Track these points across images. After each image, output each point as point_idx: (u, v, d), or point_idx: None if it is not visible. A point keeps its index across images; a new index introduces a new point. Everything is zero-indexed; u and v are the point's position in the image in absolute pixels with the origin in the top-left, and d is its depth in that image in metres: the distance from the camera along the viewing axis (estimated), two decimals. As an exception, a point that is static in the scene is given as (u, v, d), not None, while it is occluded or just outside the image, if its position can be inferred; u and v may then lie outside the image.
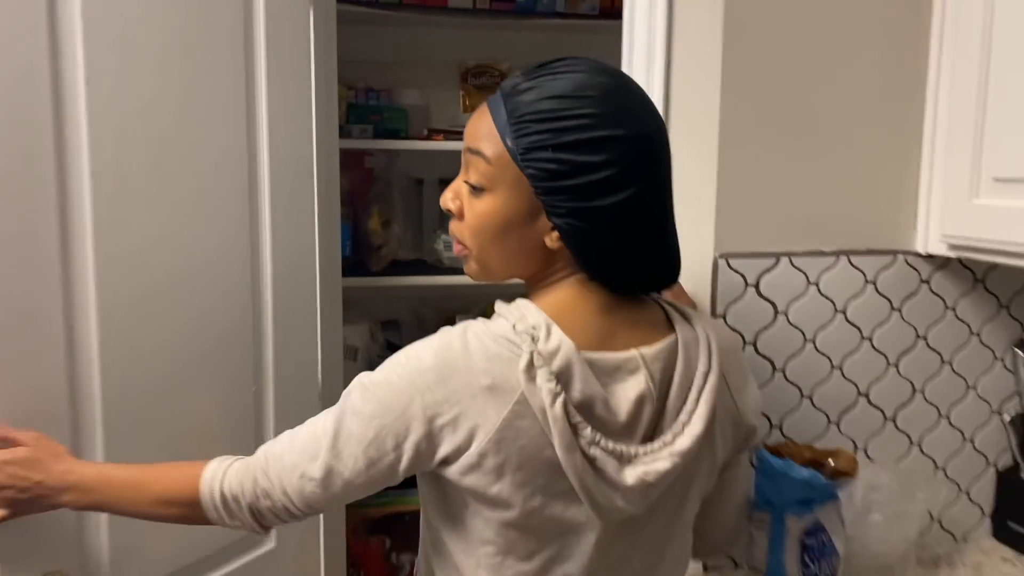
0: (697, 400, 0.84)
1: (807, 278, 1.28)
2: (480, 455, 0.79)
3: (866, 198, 1.29)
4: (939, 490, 1.33)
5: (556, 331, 0.80)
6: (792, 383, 1.30)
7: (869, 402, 1.33)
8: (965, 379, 1.37)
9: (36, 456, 0.92)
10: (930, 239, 1.29)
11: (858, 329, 1.31)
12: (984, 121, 1.17)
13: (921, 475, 1.34)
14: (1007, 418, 1.37)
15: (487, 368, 0.79)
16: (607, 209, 0.79)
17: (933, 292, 1.33)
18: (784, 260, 1.27)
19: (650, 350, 0.84)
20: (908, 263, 1.31)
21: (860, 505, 1.23)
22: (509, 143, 0.80)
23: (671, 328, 0.87)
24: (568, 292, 0.84)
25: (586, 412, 0.80)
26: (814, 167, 1.27)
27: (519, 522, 0.83)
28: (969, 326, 1.36)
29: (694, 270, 1.25)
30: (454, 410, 0.79)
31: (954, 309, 1.35)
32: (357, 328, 2.10)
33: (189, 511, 0.88)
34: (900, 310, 1.32)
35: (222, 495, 0.86)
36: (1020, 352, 1.35)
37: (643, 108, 0.83)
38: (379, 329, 2.28)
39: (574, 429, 0.78)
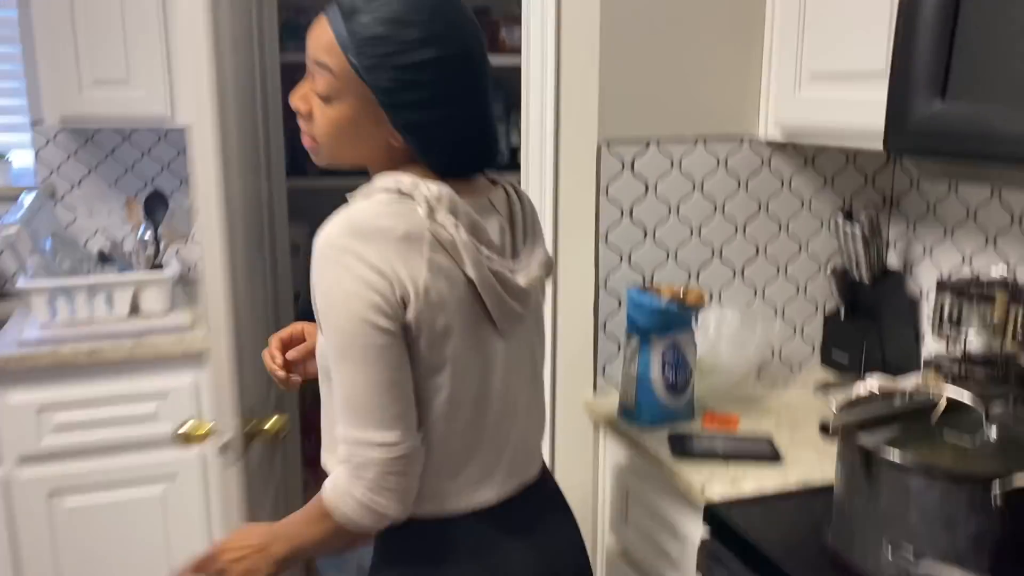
0: (535, 231, 1.10)
1: (671, 160, 1.60)
2: (425, 291, 0.93)
3: (719, 91, 1.60)
4: (773, 326, 1.69)
5: (431, 182, 0.96)
6: (659, 245, 1.62)
7: (721, 260, 1.67)
8: (798, 241, 1.72)
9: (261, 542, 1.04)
10: (768, 126, 1.62)
11: (712, 202, 1.64)
12: (804, 22, 1.49)
13: (761, 314, 1.69)
14: (831, 271, 1.74)
15: (394, 223, 0.93)
16: (441, 114, 0.96)
17: (772, 171, 1.67)
18: (653, 145, 1.58)
19: (493, 197, 1.06)
20: (752, 147, 1.64)
21: (713, 335, 1.58)
22: (352, 60, 0.93)
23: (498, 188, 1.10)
24: (414, 170, 0.99)
25: (477, 238, 0.98)
26: (676, 63, 1.56)
27: (459, 351, 0.97)
28: (801, 198, 1.70)
29: (582, 154, 1.55)
30: (393, 269, 0.92)
31: (789, 185, 1.69)
32: (299, 227, 2.35)
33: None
34: (746, 185, 1.66)
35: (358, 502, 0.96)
36: (841, 219, 1.70)
37: (465, 24, 0.97)
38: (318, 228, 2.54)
39: (477, 250, 0.99)
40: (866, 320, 1.67)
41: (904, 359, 1.63)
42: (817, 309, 1.77)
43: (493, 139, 1.04)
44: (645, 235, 1.61)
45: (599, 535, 1.65)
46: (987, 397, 1.05)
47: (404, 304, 0.92)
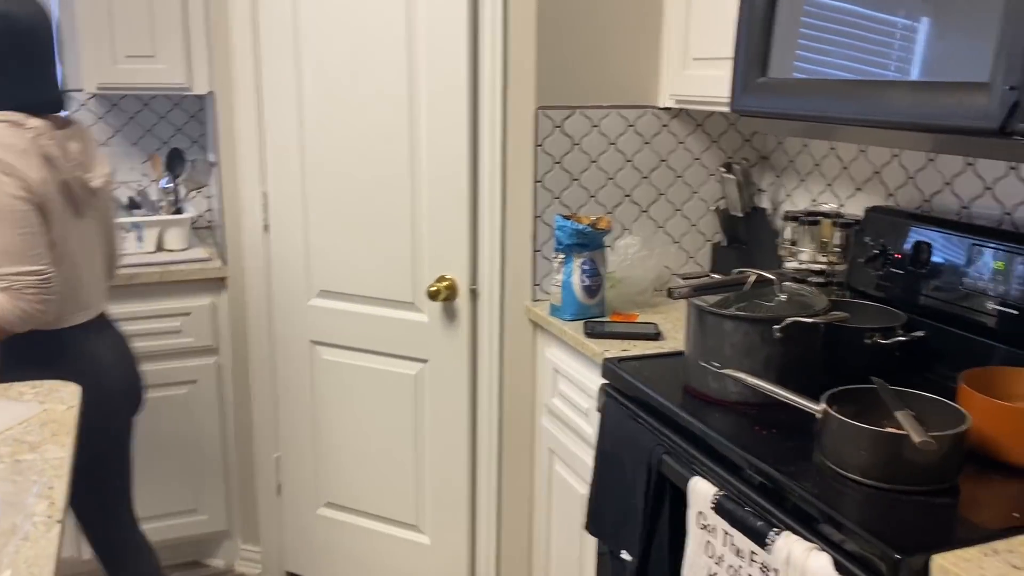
0: (99, 154, 1.74)
1: (591, 122, 2.09)
2: (40, 183, 1.55)
3: (627, 70, 2.09)
4: (670, 251, 2.19)
5: (34, 119, 1.58)
6: (583, 188, 2.12)
7: (631, 201, 2.17)
8: (691, 187, 2.22)
9: None
10: (665, 98, 2.11)
11: (624, 156, 2.14)
12: (688, 18, 1.98)
13: (660, 242, 2.19)
14: (716, 210, 2.24)
15: (16, 141, 1.54)
16: (14, 76, 1.60)
17: (670, 132, 2.17)
18: (578, 111, 2.07)
19: (72, 130, 1.70)
20: (654, 113, 2.14)
21: (623, 255, 2.08)
22: None
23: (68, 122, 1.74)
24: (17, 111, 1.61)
25: (65, 154, 1.62)
26: (595, 49, 2.05)
27: (59, 223, 1.61)
28: (693, 154, 2.20)
29: (523, 117, 2.03)
30: (23, 168, 1.53)
31: (683, 143, 2.19)
32: None
33: None
34: (650, 143, 2.15)
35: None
36: (723, 170, 2.20)
37: (33, 3, 1.62)
38: None
39: (66, 160, 1.62)
40: (742, 247, 2.18)
41: (768, 276, 2.14)
42: (706, 240, 2.28)
43: (59, 93, 1.70)
44: (572, 180, 2.10)
45: (536, 403, 2.15)
46: (784, 278, 1.56)
47: (31, 190, 1.53)
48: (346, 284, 2.29)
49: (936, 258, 1.62)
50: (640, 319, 1.98)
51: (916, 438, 1.08)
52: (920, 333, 1.58)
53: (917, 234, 1.66)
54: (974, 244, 1.55)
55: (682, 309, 2.08)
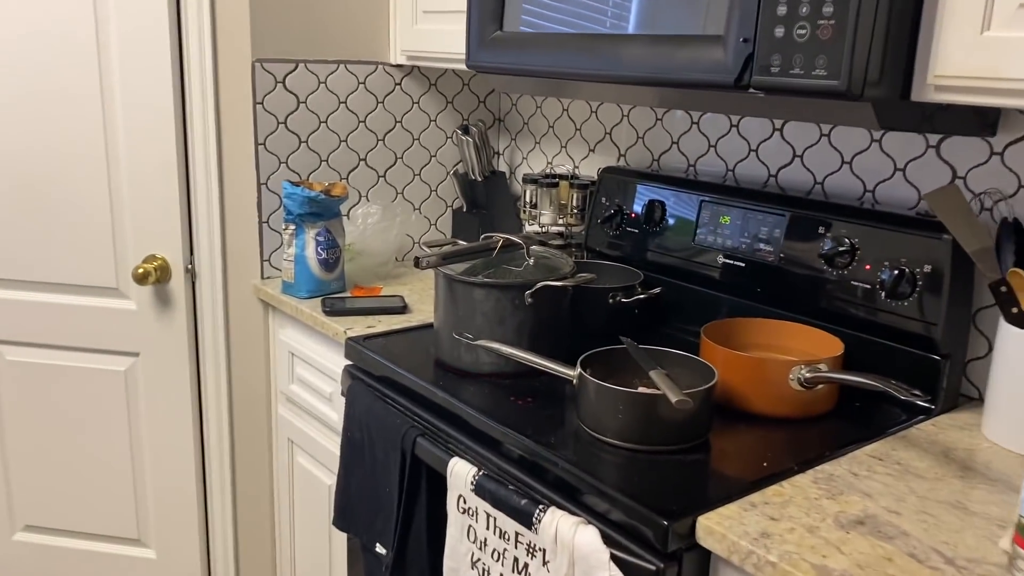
0: None
1: (318, 78, 1.90)
2: None
3: (354, 21, 1.93)
4: (411, 218, 2.08)
5: None
6: (313, 151, 1.93)
7: (367, 165, 2.02)
8: (429, 151, 2.12)
9: None
10: (396, 53, 1.98)
11: (356, 116, 1.98)
12: (418, -28, 1.86)
13: (401, 209, 2.07)
14: (454, 174, 2.16)
15: None
16: None
17: (404, 91, 2.04)
18: (301, 65, 1.87)
19: None
20: (385, 70, 2.00)
21: (361, 225, 1.93)
22: None
23: None
24: None
25: None
26: None
27: None
28: (429, 116, 2.10)
29: (238, 70, 1.80)
30: None
31: (419, 104, 2.07)
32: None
33: None
34: (383, 103, 2.01)
35: None
36: (460, 132, 2.12)
37: None
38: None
39: None
40: (482, 212, 2.12)
41: (509, 240, 2.11)
42: (447, 205, 2.19)
43: None
44: (300, 142, 1.91)
45: (273, 391, 1.96)
46: (532, 241, 1.51)
47: None
48: (30, 271, 1.92)
49: (668, 216, 1.65)
50: (384, 292, 1.85)
51: (673, 397, 1.07)
52: (657, 290, 1.61)
53: (649, 193, 1.69)
54: (702, 200, 1.60)
55: (429, 279, 1.98)
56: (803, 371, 1.22)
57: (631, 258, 1.72)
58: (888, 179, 1.44)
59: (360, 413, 1.45)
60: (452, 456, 1.23)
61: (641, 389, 1.17)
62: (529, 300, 1.35)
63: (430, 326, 1.59)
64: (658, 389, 1.11)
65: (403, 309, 1.72)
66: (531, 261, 1.45)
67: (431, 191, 2.15)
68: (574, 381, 1.21)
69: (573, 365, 1.22)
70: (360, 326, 1.62)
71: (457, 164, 2.16)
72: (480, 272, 1.42)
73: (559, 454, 1.12)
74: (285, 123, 1.87)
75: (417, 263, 1.37)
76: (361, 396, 1.46)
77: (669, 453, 1.12)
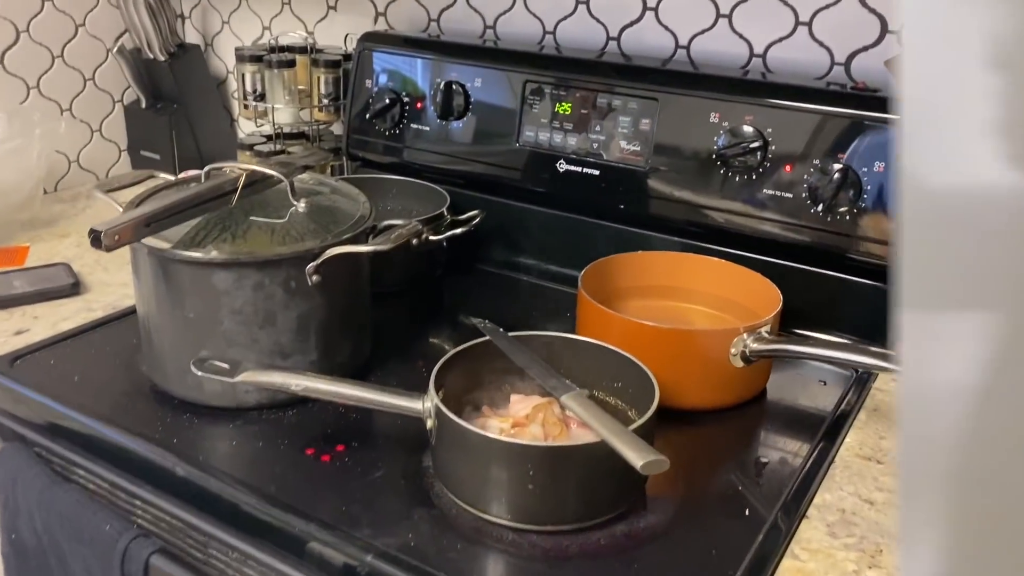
0: None
1: None
2: None
3: None
4: (60, 127, 1.34)
5: None
6: None
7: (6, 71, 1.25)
8: (72, 16, 1.37)
9: None
10: None
11: (13, 24, 1.18)
12: None
13: (41, 113, 1.33)
14: (119, 52, 1.44)
15: None
16: None
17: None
18: None
19: None
20: None
21: (-32, 149, 1.18)
22: None
23: None
24: None
25: None
26: None
27: None
28: (62, -41, 1.33)
29: None
30: None
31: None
32: None
33: None
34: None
35: None
36: (120, -14, 1.39)
37: None
38: None
39: None
40: (171, 107, 1.44)
41: (222, 146, 1.47)
42: (115, 101, 1.47)
43: None
44: None
45: None
46: (296, 169, 0.94)
47: None
48: None
49: (471, 105, 1.14)
50: (34, 254, 1.16)
51: (637, 461, 0.62)
52: (475, 214, 1.12)
53: (439, 71, 1.16)
54: (527, 80, 1.11)
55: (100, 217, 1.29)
56: (748, 341, 0.83)
57: (421, 170, 1.20)
58: (788, 36, 1.05)
59: (31, 502, 0.83)
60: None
61: (535, 424, 0.71)
62: (314, 278, 0.80)
63: (129, 314, 0.97)
64: (581, 424, 0.65)
65: (74, 288, 1.06)
66: (301, 207, 0.87)
67: (84, 79, 1.42)
68: (428, 424, 0.72)
69: (401, 377, 0.73)
70: (5, 333, 0.96)
71: (122, 36, 1.44)
72: (213, 236, 0.82)
73: (424, 562, 0.63)
74: None
75: (97, 240, 0.74)
76: (27, 470, 0.84)
77: (592, 529, 0.68)
